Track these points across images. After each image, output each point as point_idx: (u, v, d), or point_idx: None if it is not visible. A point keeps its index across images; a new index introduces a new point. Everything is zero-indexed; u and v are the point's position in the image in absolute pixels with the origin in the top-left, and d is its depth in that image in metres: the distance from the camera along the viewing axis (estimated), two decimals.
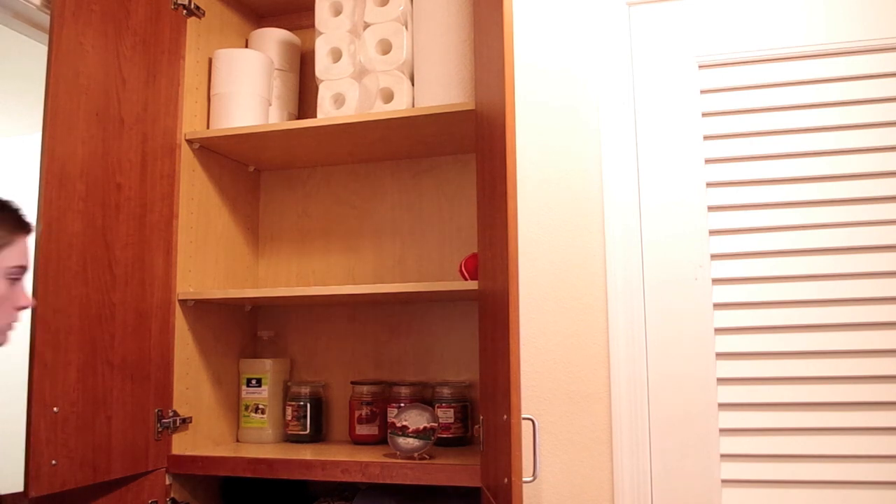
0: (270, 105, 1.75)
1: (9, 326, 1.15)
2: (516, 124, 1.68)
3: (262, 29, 1.83)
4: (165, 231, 1.55)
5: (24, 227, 1.12)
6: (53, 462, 1.24)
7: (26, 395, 1.21)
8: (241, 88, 1.67)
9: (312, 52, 1.68)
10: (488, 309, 1.29)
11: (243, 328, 1.82)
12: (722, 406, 1.52)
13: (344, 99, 1.63)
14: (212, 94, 1.70)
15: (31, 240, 1.15)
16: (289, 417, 1.71)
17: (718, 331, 1.54)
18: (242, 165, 1.85)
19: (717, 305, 1.55)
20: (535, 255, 1.66)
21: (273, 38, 1.81)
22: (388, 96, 1.59)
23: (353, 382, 1.69)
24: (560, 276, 1.64)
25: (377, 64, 1.60)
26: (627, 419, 1.56)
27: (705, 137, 1.60)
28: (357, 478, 1.41)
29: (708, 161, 1.59)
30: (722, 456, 1.51)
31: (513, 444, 1.03)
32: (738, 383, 1.53)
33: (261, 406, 1.72)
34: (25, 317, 1.21)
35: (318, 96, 1.65)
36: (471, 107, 1.47)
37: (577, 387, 1.60)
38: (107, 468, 1.36)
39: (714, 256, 1.57)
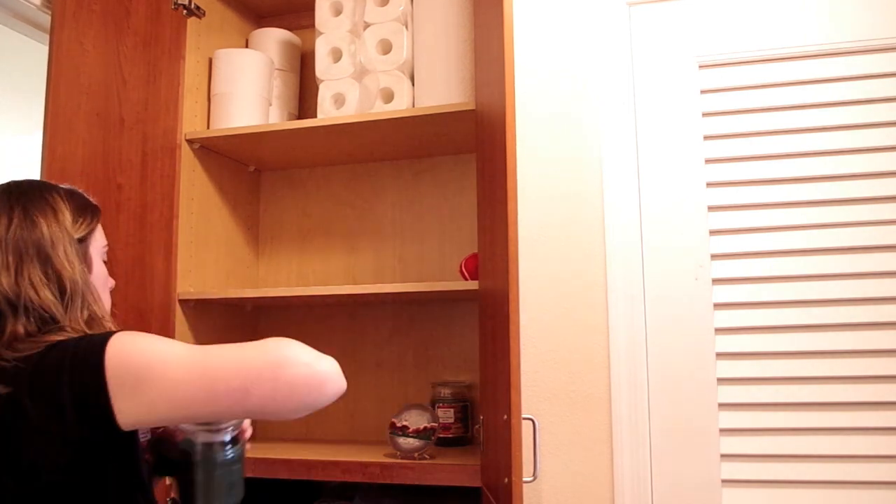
0: (270, 105, 1.75)
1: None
2: (516, 124, 1.68)
3: (263, 29, 1.83)
4: (165, 231, 1.55)
5: (97, 209, 1.14)
6: None
7: None
8: (241, 88, 1.67)
9: (313, 52, 1.68)
10: (488, 309, 1.29)
11: (244, 328, 1.82)
12: (722, 406, 1.52)
13: (344, 99, 1.63)
14: (212, 94, 1.70)
15: None
16: None
17: (718, 331, 1.54)
18: (242, 165, 1.85)
19: (718, 305, 1.55)
20: (535, 255, 1.66)
21: (273, 38, 1.81)
22: (389, 96, 1.59)
23: None
24: (560, 277, 1.64)
25: (377, 64, 1.60)
26: (627, 419, 1.55)
27: (705, 137, 1.60)
28: (357, 478, 1.41)
29: (708, 161, 1.59)
30: (722, 456, 1.51)
31: (513, 444, 1.03)
32: (738, 383, 1.53)
33: None
34: None
35: (318, 96, 1.65)
36: (471, 107, 1.47)
37: (578, 387, 1.60)
38: None
39: (714, 256, 1.57)
